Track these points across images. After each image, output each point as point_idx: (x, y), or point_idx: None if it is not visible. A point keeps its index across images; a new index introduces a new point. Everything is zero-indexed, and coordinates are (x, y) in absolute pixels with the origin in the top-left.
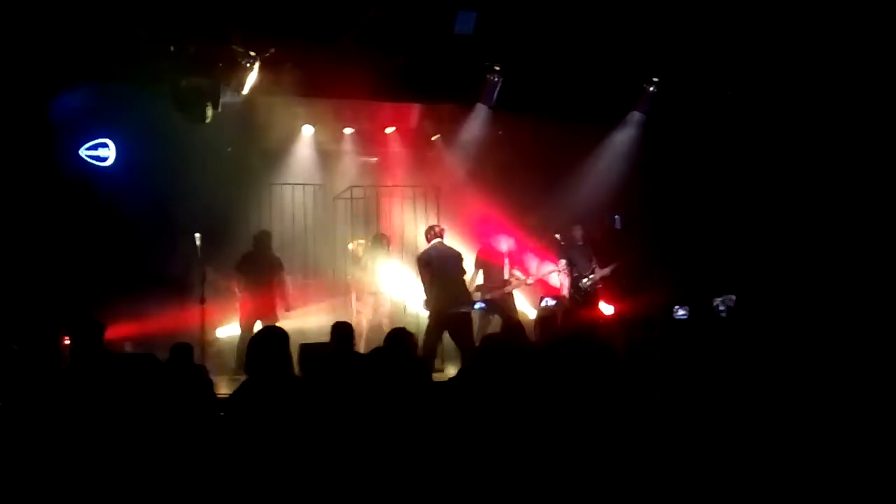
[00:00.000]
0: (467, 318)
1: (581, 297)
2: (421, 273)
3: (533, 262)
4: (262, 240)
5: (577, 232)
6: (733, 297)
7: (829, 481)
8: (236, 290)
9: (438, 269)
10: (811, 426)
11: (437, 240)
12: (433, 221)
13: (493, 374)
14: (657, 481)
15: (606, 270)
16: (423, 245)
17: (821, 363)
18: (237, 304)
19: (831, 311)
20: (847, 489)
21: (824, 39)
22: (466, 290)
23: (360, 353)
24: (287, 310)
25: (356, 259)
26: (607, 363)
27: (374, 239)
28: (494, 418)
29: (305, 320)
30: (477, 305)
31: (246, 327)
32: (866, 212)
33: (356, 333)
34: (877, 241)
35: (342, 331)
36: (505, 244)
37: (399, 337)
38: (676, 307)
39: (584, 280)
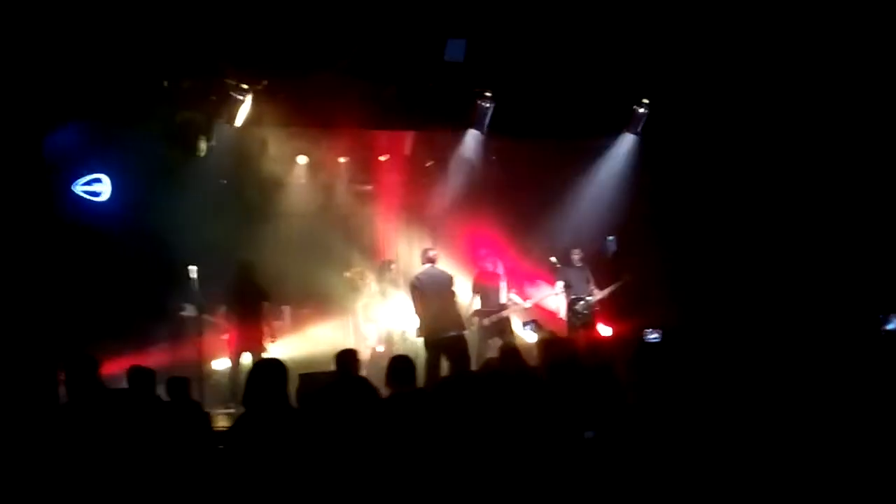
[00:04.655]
0: (460, 341)
1: (579, 320)
2: (412, 298)
3: (530, 286)
4: (245, 269)
5: (575, 255)
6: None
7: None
8: (222, 321)
9: (428, 293)
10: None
11: (430, 264)
12: (428, 247)
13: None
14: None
15: (605, 292)
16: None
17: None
18: (224, 337)
19: (829, 328)
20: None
21: (814, 61)
22: (458, 314)
23: (365, 380)
24: (272, 340)
25: (354, 287)
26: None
27: (380, 267)
28: (492, 447)
29: (305, 349)
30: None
31: (234, 359)
32: (864, 228)
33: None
34: (876, 258)
35: (347, 358)
36: (501, 268)
37: (401, 365)
38: (648, 330)
39: (582, 302)
